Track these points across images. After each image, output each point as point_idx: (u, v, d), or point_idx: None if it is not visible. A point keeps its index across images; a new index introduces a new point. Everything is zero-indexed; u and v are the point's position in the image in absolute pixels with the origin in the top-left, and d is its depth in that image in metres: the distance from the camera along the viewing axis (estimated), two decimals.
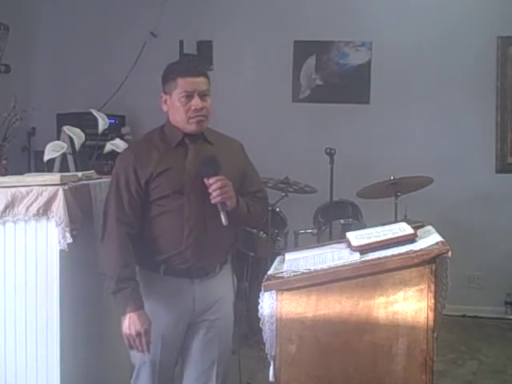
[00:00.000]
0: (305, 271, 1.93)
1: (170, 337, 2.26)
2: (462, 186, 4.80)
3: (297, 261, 2.10)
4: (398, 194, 4.06)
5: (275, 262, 2.18)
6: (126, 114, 5.13)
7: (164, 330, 2.23)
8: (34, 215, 2.24)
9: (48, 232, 2.27)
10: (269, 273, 2.03)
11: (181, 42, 5.03)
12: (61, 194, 2.24)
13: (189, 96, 2.20)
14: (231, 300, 2.38)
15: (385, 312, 1.85)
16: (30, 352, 2.29)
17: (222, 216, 2.18)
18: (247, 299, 3.92)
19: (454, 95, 4.87)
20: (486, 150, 4.87)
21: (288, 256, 2.22)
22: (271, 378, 1.93)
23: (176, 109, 2.23)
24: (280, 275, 1.96)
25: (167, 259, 2.23)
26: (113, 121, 4.42)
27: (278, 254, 2.34)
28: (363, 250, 2.00)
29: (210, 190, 2.17)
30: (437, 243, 1.90)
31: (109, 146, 2.96)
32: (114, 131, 4.40)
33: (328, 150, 3.94)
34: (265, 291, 1.91)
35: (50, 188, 2.26)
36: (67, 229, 2.23)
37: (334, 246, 2.24)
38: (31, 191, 2.25)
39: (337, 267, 1.91)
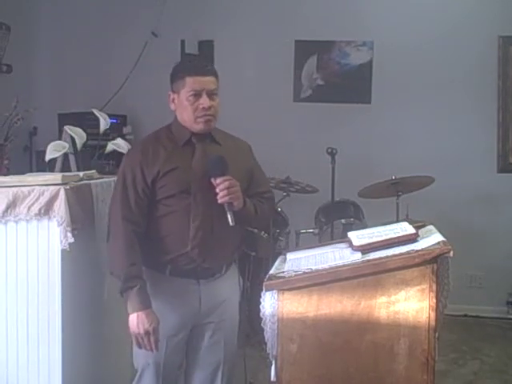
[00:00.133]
0: (306, 271, 1.93)
1: (175, 338, 2.24)
2: (463, 186, 4.80)
3: (298, 260, 2.10)
4: (400, 193, 4.06)
5: (277, 262, 2.18)
6: (128, 113, 5.13)
7: (170, 331, 2.22)
8: (36, 215, 2.24)
9: (49, 232, 2.27)
10: (270, 272, 2.03)
11: (182, 42, 5.03)
12: (62, 193, 2.24)
13: (197, 95, 2.18)
14: (237, 301, 2.37)
15: (386, 312, 1.85)
16: (32, 352, 2.29)
17: (229, 216, 2.16)
18: (248, 299, 3.92)
19: (455, 95, 4.87)
20: (488, 149, 4.87)
21: (289, 256, 2.22)
22: (273, 377, 1.93)
23: (184, 108, 2.21)
24: (281, 275, 1.96)
25: (173, 259, 2.21)
26: (114, 120, 4.42)
27: (280, 254, 2.34)
28: (365, 249, 2.00)
29: (217, 190, 2.16)
30: (438, 243, 1.90)
31: (110, 146, 2.96)
32: (115, 131, 4.40)
33: (329, 150, 3.94)
34: (266, 291, 1.91)
35: (52, 188, 2.26)
36: (69, 228, 2.23)
37: (335, 245, 2.24)
38: (33, 191, 2.25)
39: (338, 267, 1.91)
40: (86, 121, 3.71)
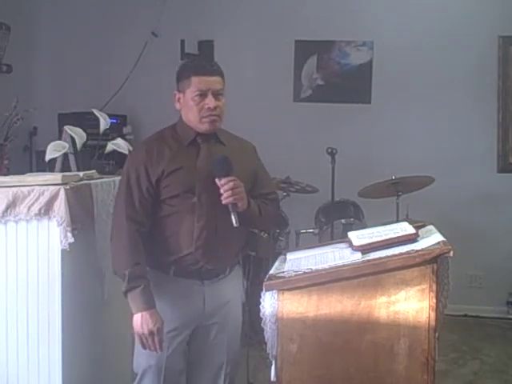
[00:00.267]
0: (306, 271, 1.93)
1: (178, 338, 2.23)
2: (463, 186, 4.80)
3: (298, 260, 2.10)
4: (400, 193, 4.06)
5: (277, 262, 2.18)
6: (128, 113, 5.13)
7: (173, 332, 2.21)
8: (36, 215, 2.24)
9: (49, 232, 2.27)
10: (270, 272, 2.03)
11: (182, 42, 5.03)
12: (62, 193, 2.24)
13: (202, 95, 2.17)
14: (240, 302, 2.36)
15: (386, 312, 1.85)
16: (32, 352, 2.29)
17: (233, 217, 2.15)
18: (248, 299, 3.92)
19: (455, 95, 4.87)
20: (488, 149, 4.87)
21: (289, 256, 2.22)
22: (272, 377, 1.93)
23: (189, 107, 2.20)
24: (281, 275, 1.96)
25: (178, 260, 2.20)
26: (114, 120, 4.42)
27: (280, 254, 2.34)
28: (365, 249, 2.00)
29: (221, 191, 2.15)
30: (438, 243, 1.90)
31: (110, 146, 2.96)
32: (115, 131, 4.40)
33: (329, 150, 3.94)
34: (266, 291, 1.91)
35: (52, 188, 2.26)
36: (69, 228, 2.23)
37: (335, 245, 2.24)
38: (33, 191, 2.25)
39: (338, 267, 1.91)
40: (85, 121, 3.71)
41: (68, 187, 2.28)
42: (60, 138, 3.55)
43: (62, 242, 2.24)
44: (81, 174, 2.53)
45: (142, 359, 2.25)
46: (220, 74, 2.22)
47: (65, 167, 3.64)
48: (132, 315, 2.17)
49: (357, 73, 5.04)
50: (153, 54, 5.09)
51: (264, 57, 5.08)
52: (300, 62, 5.10)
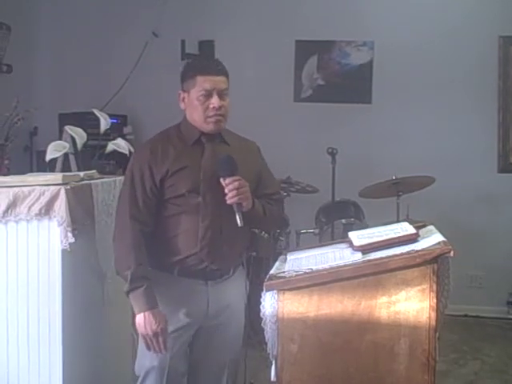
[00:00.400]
0: (307, 271, 1.93)
1: (181, 339, 2.22)
2: (463, 186, 4.79)
3: (299, 260, 2.10)
4: (400, 193, 4.06)
5: (277, 262, 2.18)
6: (128, 113, 5.14)
7: (176, 332, 2.19)
8: (36, 215, 2.24)
9: (50, 232, 2.27)
10: (271, 272, 2.03)
11: (182, 42, 5.03)
12: (63, 193, 2.24)
13: (208, 94, 2.16)
14: (243, 303, 2.35)
15: (387, 312, 1.85)
16: (33, 351, 2.29)
17: (238, 217, 2.14)
18: (249, 299, 3.91)
19: (455, 95, 4.87)
20: (488, 149, 4.87)
21: (290, 256, 2.22)
22: (273, 377, 1.93)
23: (194, 107, 2.20)
24: (282, 275, 1.96)
25: (182, 260, 2.19)
26: (115, 120, 4.42)
27: (280, 254, 2.33)
28: (365, 249, 2.00)
29: (226, 191, 2.14)
30: (439, 243, 1.90)
31: (111, 146, 2.96)
32: (115, 131, 4.40)
33: (330, 150, 3.94)
34: (267, 291, 1.91)
35: (52, 188, 2.26)
36: (69, 228, 2.23)
37: (335, 245, 2.24)
38: (33, 191, 2.25)
39: (338, 267, 1.91)
40: (86, 121, 3.70)
41: (68, 187, 2.28)
42: (60, 138, 3.55)
43: (62, 242, 2.24)
44: (81, 174, 2.53)
45: (144, 360, 2.23)
46: (225, 73, 2.22)
47: (65, 167, 3.64)
48: (133, 316, 2.16)
49: (357, 73, 5.04)
50: (153, 54, 5.09)
51: (264, 57, 5.08)
52: (300, 61, 5.10)
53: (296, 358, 1.89)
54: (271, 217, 2.34)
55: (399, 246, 1.96)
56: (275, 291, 1.90)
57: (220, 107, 2.18)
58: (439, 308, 1.88)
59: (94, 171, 2.67)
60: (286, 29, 5.02)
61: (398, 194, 4.05)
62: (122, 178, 2.69)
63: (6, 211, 2.25)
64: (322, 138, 4.60)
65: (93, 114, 3.05)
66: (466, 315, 4.78)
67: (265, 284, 1.91)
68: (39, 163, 4.63)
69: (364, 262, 1.91)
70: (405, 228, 2.08)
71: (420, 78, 4.89)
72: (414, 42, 4.85)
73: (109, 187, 2.59)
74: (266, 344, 1.94)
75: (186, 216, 2.18)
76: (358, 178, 4.35)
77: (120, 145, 2.97)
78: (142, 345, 2.23)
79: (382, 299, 1.85)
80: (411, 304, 1.84)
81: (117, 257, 2.18)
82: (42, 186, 2.27)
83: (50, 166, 3.51)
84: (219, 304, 2.25)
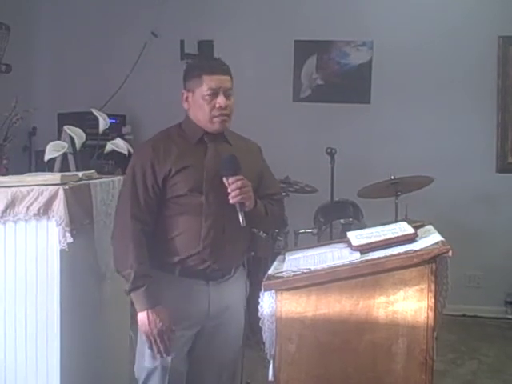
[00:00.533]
0: (305, 271, 1.93)
1: (182, 339, 2.19)
2: (462, 186, 4.80)
3: (297, 260, 2.11)
4: (399, 193, 4.06)
5: (275, 262, 2.18)
6: (127, 113, 5.14)
7: (178, 333, 2.17)
8: (35, 215, 2.24)
9: (48, 232, 2.27)
10: (269, 272, 2.04)
11: (182, 42, 5.03)
12: (61, 193, 2.24)
13: (214, 94, 2.16)
14: (243, 304, 2.34)
15: (385, 312, 1.85)
16: (30, 352, 2.29)
17: (240, 217, 2.13)
18: (247, 299, 3.92)
19: (454, 95, 4.87)
20: (487, 149, 4.87)
21: (288, 256, 2.22)
22: (270, 377, 1.93)
23: (199, 107, 2.19)
24: (280, 275, 1.97)
25: (184, 260, 2.17)
26: (113, 120, 4.42)
27: (279, 254, 2.34)
28: (363, 249, 2.01)
29: (229, 190, 2.13)
30: (437, 243, 1.90)
31: (109, 146, 2.96)
32: (114, 131, 4.40)
33: (329, 150, 3.94)
34: (265, 291, 1.91)
35: (51, 188, 2.25)
36: (67, 228, 2.23)
37: (334, 245, 2.24)
38: (32, 191, 2.25)
39: (337, 267, 1.91)
40: (85, 121, 3.70)
41: (67, 187, 2.28)
42: (59, 138, 3.56)
43: (60, 242, 2.24)
44: (80, 174, 2.53)
45: (146, 361, 2.20)
46: (230, 73, 2.22)
47: (64, 167, 3.64)
48: (132, 317, 2.15)
49: (356, 73, 5.04)
50: (152, 54, 5.09)
51: (264, 57, 5.08)
52: (299, 61, 5.11)
53: (294, 357, 1.89)
54: (272, 217, 2.34)
55: (397, 245, 1.97)
56: (273, 291, 1.90)
57: (226, 106, 2.18)
58: (437, 308, 1.88)
59: (92, 171, 2.67)
60: (285, 29, 5.02)
61: (396, 193, 4.06)
62: (120, 177, 2.69)
63: (4, 211, 2.24)
64: (321, 138, 4.60)
65: (92, 113, 3.05)
66: (464, 315, 4.79)
67: (263, 284, 1.91)
68: (38, 163, 4.63)
69: (362, 261, 1.92)
70: (403, 228, 2.08)
71: (419, 78, 4.89)
72: (413, 41, 4.86)
73: (107, 187, 2.59)
74: (263, 344, 1.94)
75: (188, 215, 2.17)
76: (357, 177, 4.35)
77: (119, 145, 2.97)
78: (141, 346, 2.21)
79: (380, 299, 1.85)
80: (409, 304, 1.84)
81: (117, 256, 2.16)
82: (40, 185, 2.26)
83: (48, 166, 3.52)
84: (220, 304, 2.24)
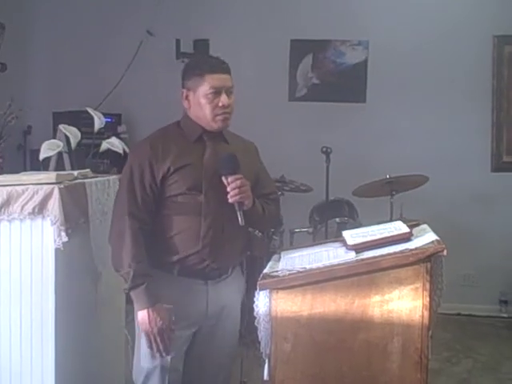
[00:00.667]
0: (300, 270, 1.94)
1: (181, 339, 2.19)
2: (457, 185, 4.81)
3: (292, 259, 2.11)
4: (394, 192, 4.07)
5: (271, 261, 2.18)
6: (122, 112, 5.13)
7: (176, 333, 2.15)
8: (30, 214, 2.23)
9: (43, 231, 2.26)
10: (264, 271, 2.04)
11: (177, 41, 5.02)
12: (56, 192, 2.23)
13: (216, 93, 2.16)
14: (239, 303, 2.34)
15: (380, 311, 1.85)
16: (25, 352, 2.28)
17: (239, 216, 2.14)
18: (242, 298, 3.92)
19: (450, 94, 4.88)
20: (482, 148, 4.89)
21: (283, 255, 2.22)
22: (266, 376, 1.93)
23: (201, 105, 2.18)
24: (275, 274, 1.97)
25: (183, 259, 2.16)
26: (109, 119, 4.42)
27: (274, 253, 2.34)
28: (359, 248, 2.01)
29: (228, 189, 2.13)
30: (432, 242, 1.91)
31: (105, 145, 2.95)
32: (110, 130, 4.40)
33: (324, 149, 3.95)
34: (260, 290, 1.91)
35: (46, 187, 2.25)
36: (62, 227, 2.22)
37: (329, 244, 2.24)
38: (27, 190, 2.24)
39: (332, 266, 1.92)
40: (80, 119, 3.69)
41: (62, 186, 2.27)
42: (54, 137, 3.53)
43: (55, 241, 2.23)
44: (75, 172, 2.52)
45: (145, 361, 2.18)
46: (230, 71, 2.23)
47: (59, 166, 3.62)
48: (128, 315, 2.15)
49: (352, 72, 5.05)
50: (148, 53, 5.08)
51: (259, 56, 5.08)
52: (295, 61, 5.11)
53: (289, 356, 1.89)
54: (269, 216, 2.34)
55: (393, 244, 1.97)
56: (269, 290, 1.90)
57: (228, 105, 2.18)
58: (432, 307, 1.89)
59: (87, 170, 2.66)
60: (281, 28, 5.03)
61: (391, 193, 4.06)
62: (116, 176, 2.69)
63: None
64: (317, 137, 4.60)
65: (87, 112, 3.04)
66: (459, 314, 4.80)
67: (258, 283, 1.91)
68: (33, 162, 4.62)
69: (357, 260, 1.92)
70: (398, 227, 2.08)
71: (414, 78, 4.90)
72: (409, 41, 4.87)
73: (103, 186, 2.59)
74: (259, 343, 1.94)
75: (186, 214, 2.16)
76: (352, 177, 4.35)
77: (114, 144, 2.97)
78: (140, 346, 2.20)
79: (376, 298, 1.85)
80: (404, 303, 1.85)
81: (115, 255, 2.15)
82: (35, 184, 2.26)
83: (43, 165, 3.50)
84: (218, 304, 2.24)
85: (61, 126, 2.97)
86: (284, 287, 1.89)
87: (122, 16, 5.17)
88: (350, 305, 1.86)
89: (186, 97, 2.22)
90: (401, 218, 3.77)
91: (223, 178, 2.15)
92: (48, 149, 2.80)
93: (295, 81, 5.12)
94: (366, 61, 5.02)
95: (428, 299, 1.84)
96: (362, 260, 1.91)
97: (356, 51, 5.04)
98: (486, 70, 4.86)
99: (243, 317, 2.37)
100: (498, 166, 4.90)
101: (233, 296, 2.30)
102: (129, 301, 2.44)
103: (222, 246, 2.18)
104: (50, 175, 2.35)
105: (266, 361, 1.93)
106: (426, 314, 1.84)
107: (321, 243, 2.37)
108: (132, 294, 2.12)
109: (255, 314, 1.93)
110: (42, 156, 2.79)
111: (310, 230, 4.29)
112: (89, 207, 2.46)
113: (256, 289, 1.92)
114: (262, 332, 1.92)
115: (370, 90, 5.00)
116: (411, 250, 1.88)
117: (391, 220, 3.76)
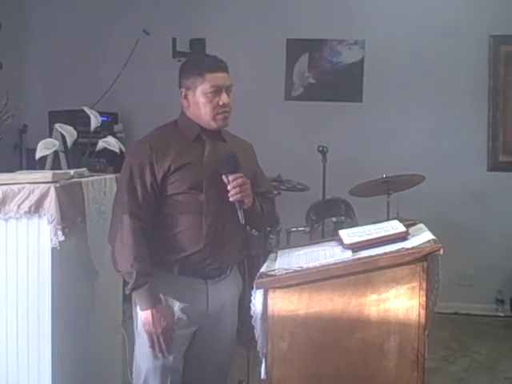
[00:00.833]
0: (297, 269, 1.94)
1: (181, 339, 2.18)
2: (453, 184, 4.82)
3: (289, 258, 2.11)
4: (390, 191, 4.07)
5: (267, 260, 2.18)
6: (119, 111, 5.12)
7: (177, 332, 2.15)
8: (26, 213, 2.23)
9: (40, 230, 2.26)
10: (261, 270, 2.03)
11: (173, 40, 5.01)
12: (52, 191, 2.23)
13: (217, 91, 2.16)
14: (237, 302, 2.34)
15: (376, 310, 1.86)
16: (21, 352, 2.27)
17: (240, 214, 2.14)
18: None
19: (446, 93, 4.89)
20: (478, 148, 4.90)
21: (280, 254, 2.22)
22: (263, 375, 1.93)
23: (201, 104, 2.18)
24: (272, 273, 1.97)
25: (183, 258, 2.15)
26: (105, 118, 4.41)
27: (270, 252, 2.34)
28: (355, 247, 2.01)
29: (229, 188, 2.13)
30: (428, 241, 1.91)
31: (101, 144, 2.95)
32: (106, 129, 4.39)
33: (320, 148, 3.95)
34: (257, 289, 1.91)
35: (42, 186, 2.24)
36: (59, 226, 2.22)
37: (326, 243, 2.25)
38: (23, 189, 2.24)
39: (329, 265, 1.92)
40: (76, 118, 3.69)
41: (58, 185, 2.26)
42: (50, 136, 3.53)
43: (52, 240, 2.23)
44: (71, 171, 2.51)
45: (147, 361, 2.17)
46: (228, 70, 2.23)
47: (55, 165, 3.62)
48: (125, 314, 2.14)
49: (348, 71, 5.05)
50: (144, 52, 5.07)
51: (256, 55, 5.08)
52: (292, 60, 5.11)
53: (286, 355, 1.89)
54: (267, 215, 2.35)
55: (389, 244, 1.97)
56: (265, 289, 1.90)
57: (228, 104, 2.19)
58: (429, 306, 1.89)
59: (84, 169, 2.66)
60: (278, 27, 5.03)
61: (388, 192, 4.07)
62: (112, 175, 2.69)
63: None
64: (313, 137, 4.60)
65: (83, 111, 3.04)
66: (455, 313, 4.81)
67: (255, 282, 1.91)
68: (29, 161, 4.60)
69: (354, 260, 1.92)
70: (395, 226, 2.08)
71: (411, 77, 4.91)
72: (405, 41, 4.88)
73: (99, 185, 2.58)
74: (255, 342, 1.94)
75: (187, 213, 2.15)
76: (349, 176, 4.35)
77: (110, 143, 2.97)
78: (140, 346, 2.19)
79: (372, 297, 1.85)
80: (401, 302, 1.85)
81: (117, 256, 2.13)
82: (31, 183, 2.25)
83: (39, 164, 3.49)
84: (218, 303, 2.23)
85: (57, 125, 2.96)
86: (281, 286, 1.89)
87: (118, 15, 5.16)
88: (347, 304, 1.86)
89: (185, 96, 2.21)
90: (397, 218, 3.76)
91: (224, 177, 2.15)
92: (44, 148, 2.79)
93: (291, 80, 5.12)
94: (362, 60, 5.02)
95: (424, 298, 1.84)
96: (359, 259, 1.91)
97: (352, 51, 5.04)
98: (483, 70, 4.87)
99: (240, 316, 2.37)
100: (495, 166, 4.91)
101: (231, 294, 2.30)
102: (126, 300, 2.44)
103: (222, 244, 2.18)
104: (47, 174, 2.34)
105: (263, 360, 1.93)
106: (423, 312, 1.84)
107: (317, 242, 2.37)
108: (134, 294, 2.11)
109: (252, 312, 1.93)
110: (38, 155, 2.78)
111: (307, 229, 4.29)
112: (85, 206, 2.45)
113: (252, 288, 1.92)
114: (259, 331, 1.92)
115: (367, 89, 5.00)
116: (408, 249, 1.88)
117: (388, 219, 3.76)
